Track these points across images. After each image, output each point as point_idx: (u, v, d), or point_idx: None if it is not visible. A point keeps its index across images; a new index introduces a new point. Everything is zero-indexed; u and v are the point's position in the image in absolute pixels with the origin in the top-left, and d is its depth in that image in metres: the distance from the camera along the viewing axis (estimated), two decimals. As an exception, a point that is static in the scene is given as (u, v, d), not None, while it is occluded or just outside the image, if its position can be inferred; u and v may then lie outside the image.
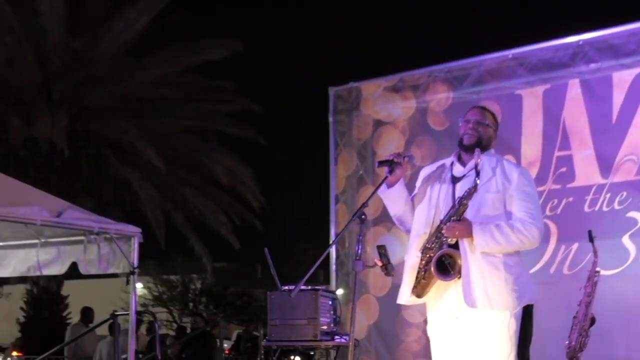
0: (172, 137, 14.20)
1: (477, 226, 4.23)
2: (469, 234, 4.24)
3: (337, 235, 9.01)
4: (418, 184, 4.62)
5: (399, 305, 4.60)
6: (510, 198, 4.36)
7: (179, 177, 14.45)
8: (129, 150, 14.01)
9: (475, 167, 4.29)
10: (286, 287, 5.29)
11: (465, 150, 4.51)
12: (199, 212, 14.76)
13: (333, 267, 9.07)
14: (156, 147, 13.13)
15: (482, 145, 4.47)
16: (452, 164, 4.55)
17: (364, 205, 4.44)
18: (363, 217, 4.41)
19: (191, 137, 14.57)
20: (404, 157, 4.56)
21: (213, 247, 16.17)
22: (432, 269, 4.28)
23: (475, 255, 4.25)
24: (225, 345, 14.36)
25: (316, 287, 5.31)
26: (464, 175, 4.45)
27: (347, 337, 5.25)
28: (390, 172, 4.53)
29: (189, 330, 14.67)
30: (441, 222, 4.33)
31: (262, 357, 9.12)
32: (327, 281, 9.35)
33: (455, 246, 4.28)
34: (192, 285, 28.25)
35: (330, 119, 9.47)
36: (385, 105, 9.11)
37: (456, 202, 4.31)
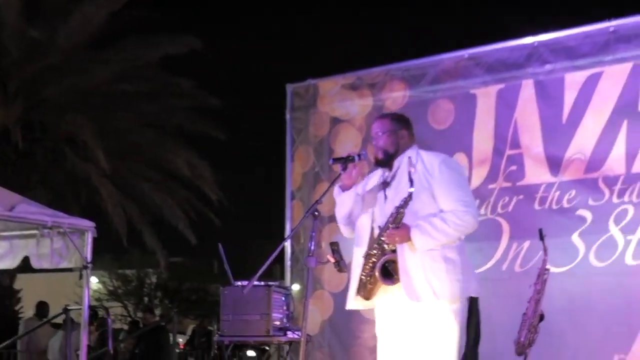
0: (131, 132, 14.12)
1: (415, 229, 4.32)
2: (408, 238, 4.33)
3: (291, 231, 9.06)
4: (360, 190, 4.68)
5: None
6: (437, 191, 4.42)
7: (137, 172, 14.37)
8: (85, 144, 13.90)
9: (409, 174, 4.36)
10: (239, 283, 5.30)
11: (379, 166, 4.64)
12: (157, 207, 14.70)
13: (288, 262, 9.08)
14: (114, 141, 13.05)
15: (389, 155, 4.57)
16: (384, 170, 4.64)
17: (318, 202, 4.52)
18: (316, 213, 4.49)
19: (150, 132, 14.50)
20: (358, 155, 4.62)
21: (170, 242, 16.17)
22: (377, 275, 4.38)
23: (415, 254, 4.34)
24: (180, 340, 14.32)
25: (269, 283, 5.33)
26: (391, 179, 4.56)
27: (299, 333, 5.28)
28: (344, 169, 4.59)
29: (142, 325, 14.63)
30: (380, 229, 4.41)
31: (216, 352, 9.14)
32: (282, 277, 9.37)
33: (395, 250, 4.37)
34: (147, 279, 28.14)
35: (288, 116, 9.49)
36: (342, 103, 9.15)
37: (394, 210, 4.38)
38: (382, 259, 4.40)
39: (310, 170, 9.39)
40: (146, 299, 27.74)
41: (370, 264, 4.44)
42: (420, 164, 4.48)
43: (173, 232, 15.34)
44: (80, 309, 7.60)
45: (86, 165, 13.84)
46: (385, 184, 4.57)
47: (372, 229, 4.56)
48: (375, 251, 4.43)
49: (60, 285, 22.11)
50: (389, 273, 4.40)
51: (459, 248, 4.46)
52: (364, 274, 4.48)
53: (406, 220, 4.35)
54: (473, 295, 4.58)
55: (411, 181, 4.34)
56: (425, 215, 4.37)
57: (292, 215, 9.31)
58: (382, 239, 4.40)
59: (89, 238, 7.30)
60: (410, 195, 4.32)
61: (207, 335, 14.22)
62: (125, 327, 17.21)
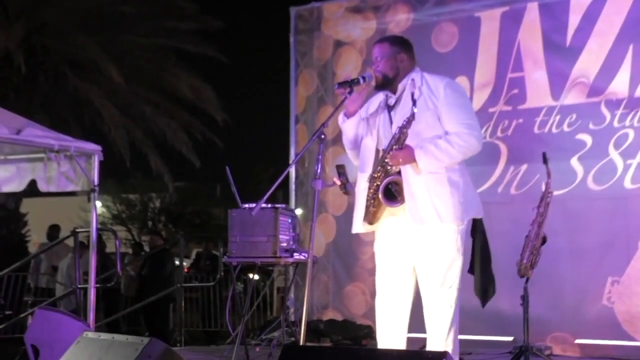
0: (133, 55, 13.98)
1: (419, 150, 4.36)
2: (412, 159, 4.37)
3: (296, 155, 9.13)
4: (363, 114, 4.70)
5: None
6: (441, 112, 4.45)
7: (140, 94, 14.33)
8: (88, 67, 13.82)
9: (412, 95, 4.39)
10: (247, 205, 5.37)
11: (378, 90, 4.64)
12: (160, 130, 14.70)
13: (292, 186, 9.20)
14: (116, 64, 12.97)
15: (388, 79, 4.57)
16: (387, 92, 4.65)
17: (324, 125, 4.54)
18: (323, 137, 4.51)
19: (152, 55, 14.38)
20: (362, 77, 4.64)
21: (173, 166, 16.19)
22: (380, 196, 4.43)
23: (420, 176, 4.38)
24: (185, 263, 14.52)
25: (276, 205, 5.40)
26: (396, 102, 4.57)
27: (306, 254, 5.38)
28: (350, 92, 4.61)
29: (146, 248, 14.80)
30: (384, 151, 4.46)
31: (222, 274, 9.30)
32: (286, 201, 9.47)
33: (400, 172, 4.41)
34: (151, 204, 28.30)
35: (292, 39, 9.48)
36: (345, 25, 9.13)
37: (396, 131, 4.41)
38: (386, 180, 4.44)
39: (314, 93, 9.42)
40: (150, 223, 27.96)
41: (374, 187, 4.48)
42: (425, 87, 4.51)
43: (176, 155, 15.41)
44: (88, 231, 7.70)
45: (89, 87, 13.80)
46: (389, 107, 4.60)
47: (377, 151, 4.60)
48: (379, 174, 4.47)
49: (63, 210, 22.31)
50: (393, 195, 4.45)
51: (461, 171, 4.51)
52: (368, 197, 4.53)
53: (409, 141, 4.40)
54: (476, 216, 4.65)
55: (414, 102, 4.38)
56: (428, 137, 4.42)
57: (297, 139, 9.38)
58: (386, 160, 4.44)
59: (95, 161, 7.32)
60: (412, 116, 4.35)
61: (212, 258, 14.37)
62: (130, 251, 17.38)
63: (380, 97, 4.70)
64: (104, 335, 4.37)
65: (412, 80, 4.50)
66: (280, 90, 10.23)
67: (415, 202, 4.39)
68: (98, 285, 7.52)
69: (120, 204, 27.97)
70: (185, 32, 14.59)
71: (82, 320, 6.66)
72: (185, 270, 15.86)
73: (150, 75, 14.29)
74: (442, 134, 4.43)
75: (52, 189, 7.36)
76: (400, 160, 4.39)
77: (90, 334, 4.50)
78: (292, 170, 9.23)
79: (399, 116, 4.48)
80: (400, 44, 4.69)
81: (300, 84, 9.44)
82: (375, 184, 4.48)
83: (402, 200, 4.42)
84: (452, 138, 4.40)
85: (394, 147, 4.40)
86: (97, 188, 7.24)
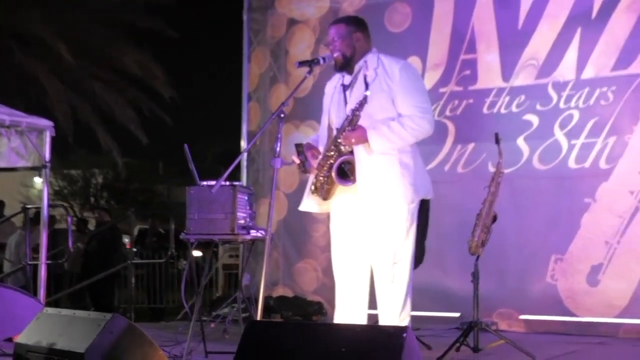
0: (80, 30, 13.81)
1: (372, 131, 4.46)
2: (365, 140, 4.47)
3: (249, 133, 9.19)
4: (324, 97, 4.84)
5: None
6: (396, 95, 4.54)
7: (87, 70, 14.16)
8: (34, 42, 13.61)
9: (365, 78, 4.48)
10: (205, 183, 5.40)
11: (338, 71, 4.72)
12: (107, 107, 14.56)
13: (244, 163, 9.21)
14: (63, 39, 12.79)
15: (347, 58, 4.65)
16: (343, 74, 4.74)
17: (284, 104, 4.61)
18: (282, 115, 4.58)
19: (99, 30, 14.21)
20: (323, 58, 4.72)
21: (118, 142, 16.06)
22: (333, 175, 4.52)
23: (372, 157, 4.49)
24: (127, 240, 14.49)
25: (234, 183, 5.43)
26: (351, 82, 4.67)
27: (262, 231, 5.44)
28: (310, 72, 4.69)
29: (90, 225, 14.68)
30: (337, 131, 4.55)
31: (174, 250, 9.32)
32: (235, 177, 9.50)
33: (353, 152, 4.52)
34: (93, 180, 28.00)
35: (245, 17, 9.45)
36: (299, 4, 9.13)
37: (349, 113, 4.51)
38: (339, 160, 4.54)
39: (267, 71, 9.41)
40: (92, 199, 27.69)
41: (328, 165, 4.58)
42: (381, 68, 4.59)
43: (122, 132, 15.29)
44: (38, 207, 7.64)
45: (34, 63, 13.59)
46: (345, 87, 4.69)
47: (330, 130, 4.70)
48: (332, 152, 4.57)
49: (4, 186, 21.91)
50: (345, 174, 4.55)
51: (413, 153, 4.63)
52: (321, 175, 4.62)
53: (362, 122, 4.49)
54: (426, 197, 4.76)
55: (366, 84, 4.47)
56: (381, 118, 4.52)
57: (249, 117, 9.39)
58: (339, 140, 4.54)
59: (47, 137, 7.27)
60: (365, 98, 4.45)
61: (158, 235, 14.33)
62: (73, 227, 17.18)
63: (337, 77, 4.79)
64: (65, 311, 4.38)
65: (365, 62, 4.59)
66: (232, 67, 10.21)
67: (367, 182, 4.50)
68: (49, 262, 7.46)
69: (61, 179, 27.60)
70: (134, 8, 14.44)
71: (35, 297, 6.65)
72: (128, 246, 15.79)
73: (98, 51, 14.13)
74: (395, 115, 4.54)
75: (2, 164, 7.31)
76: (353, 140, 4.50)
77: (51, 310, 4.51)
78: (244, 147, 9.26)
79: (354, 97, 4.57)
80: (356, 23, 4.77)
81: (253, 61, 9.42)
82: (328, 162, 4.58)
83: (354, 180, 4.53)
84: (405, 121, 4.50)
85: (347, 128, 4.50)
86: (49, 164, 7.19)
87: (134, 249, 11.67)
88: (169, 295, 12.34)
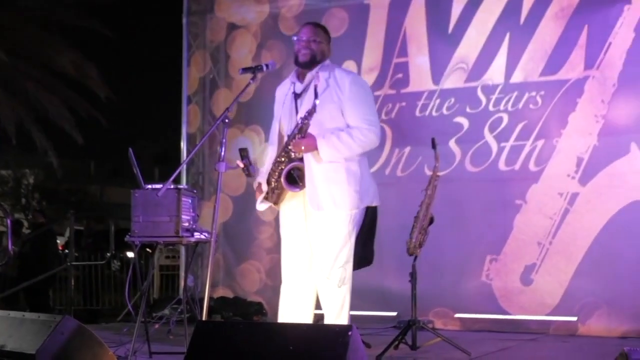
0: (13, 29, 13.61)
1: (321, 140, 4.60)
2: (314, 147, 4.61)
3: (189, 136, 9.24)
4: (275, 103, 4.97)
5: (253, 204, 4.97)
6: (345, 107, 4.70)
7: (20, 70, 13.95)
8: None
9: (315, 88, 4.63)
10: (150, 186, 5.44)
11: (302, 67, 4.84)
12: (42, 106, 14.36)
13: (184, 165, 9.22)
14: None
15: (316, 60, 4.79)
16: (294, 81, 4.87)
17: (228, 109, 4.71)
18: (227, 120, 4.69)
19: (34, 29, 14.00)
20: (266, 65, 4.85)
21: (52, 142, 15.86)
22: (282, 181, 4.66)
23: (320, 165, 4.63)
24: (59, 241, 14.34)
25: (179, 186, 5.49)
26: (303, 91, 4.80)
27: (206, 234, 5.52)
28: (254, 79, 4.81)
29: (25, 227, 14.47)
30: (288, 138, 4.68)
31: (113, 251, 9.30)
32: (163, 178, 9.50)
33: (302, 159, 4.66)
34: (24, 180, 27.53)
35: (184, 20, 9.48)
36: (239, 9, 9.20)
37: (299, 121, 4.64)
38: (289, 166, 4.68)
39: (207, 75, 9.48)
40: (24, 200, 27.22)
41: (278, 171, 4.72)
42: (333, 79, 4.74)
43: (57, 132, 15.11)
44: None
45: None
46: (296, 95, 4.82)
47: (280, 137, 4.84)
48: (283, 159, 4.71)
49: None
50: (294, 180, 4.69)
51: (359, 160, 4.79)
52: (272, 179, 4.76)
53: (312, 130, 4.63)
54: (371, 204, 4.91)
55: (316, 94, 4.62)
56: (330, 127, 4.66)
57: (189, 119, 9.42)
58: (289, 147, 4.68)
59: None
60: (314, 108, 4.59)
61: (94, 236, 14.21)
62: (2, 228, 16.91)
63: (287, 84, 4.91)
64: (14, 313, 4.40)
65: (317, 73, 4.73)
66: (171, 70, 10.23)
67: (315, 188, 4.64)
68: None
69: (-9, 180, 27.09)
70: (69, 6, 14.27)
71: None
72: (60, 248, 15.62)
73: (32, 50, 13.94)
74: (344, 126, 4.69)
75: None
76: (303, 147, 4.63)
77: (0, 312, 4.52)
78: (184, 150, 9.30)
79: (304, 106, 4.70)
80: (329, 35, 4.95)
81: (192, 65, 9.45)
82: (279, 168, 4.72)
83: (303, 186, 4.67)
84: (354, 132, 4.66)
85: (297, 135, 4.63)
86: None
87: (69, 251, 11.58)
88: (105, 297, 12.27)
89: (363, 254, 4.98)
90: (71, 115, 14.72)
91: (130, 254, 8.02)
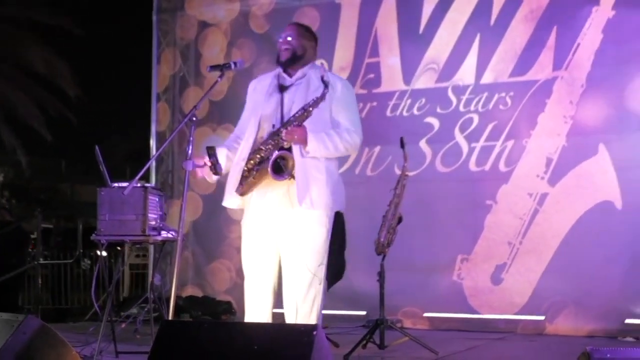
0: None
1: (312, 133, 4.55)
2: (304, 139, 4.55)
3: (158, 134, 9.19)
4: (248, 97, 4.90)
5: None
6: (335, 107, 4.69)
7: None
8: None
9: (322, 78, 4.59)
10: (116, 184, 5.40)
11: (283, 65, 4.78)
12: (11, 104, 14.24)
13: (153, 164, 9.18)
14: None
15: (296, 56, 4.75)
16: (278, 74, 4.83)
17: (195, 107, 4.66)
18: (194, 119, 4.64)
19: (3, 26, 13.90)
20: (234, 63, 4.81)
21: (21, 140, 15.75)
22: (269, 169, 4.57)
23: (303, 160, 4.57)
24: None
25: (145, 185, 5.45)
26: (291, 84, 4.75)
27: (173, 232, 5.49)
28: (221, 77, 4.76)
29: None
30: (282, 125, 4.62)
31: (81, 250, 9.22)
32: (134, 176, 9.44)
33: (289, 149, 4.59)
34: (-7, 178, 27.25)
35: (154, 17, 9.44)
36: (210, 7, 9.19)
37: (302, 108, 4.58)
38: (277, 153, 4.58)
39: (177, 73, 9.44)
40: (-7, 198, 26.94)
41: (257, 158, 4.60)
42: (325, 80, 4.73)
43: (25, 129, 14.99)
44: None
45: None
46: (282, 88, 4.76)
47: (259, 128, 4.73)
48: (269, 146, 4.60)
49: None
50: (280, 168, 4.60)
51: (335, 163, 4.78)
52: (247, 167, 4.65)
53: (306, 123, 4.61)
54: (340, 209, 4.88)
55: (325, 84, 4.56)
56: (320, 125, 4.63)
57: (158, 117, 9.38)
58: (280, 135, 4.56)
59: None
60: (323, 96, 4.54)
61: (63, 235, 14.10)
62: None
63: (267, 78, 4.86)
64: (-25, 313, 4.35)
65: (322, 64, 4.73)
66: (141, 67, 10.16)
67: (301, 183, 4.59)
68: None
69: (-41, 178, 26.77)
70: (40, 4, 14.17)
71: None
72: (31, 247, 15.45)
73: (2, 47, 13.82)
74: (329, 127, 4.67)
75: None
76: (296, 137, 4.54)
77: (-39, 312, 4.46)
78: (153, 148, 9.25)
79: (294, 98, 4.64)
80: (313, 34, 4.94)
81: (162, 62, 9.41)
82: (259, 155, 4.62)
83: (288, 175, 4.58)
84: (342, 132, 4.64)
85: (294, 123, 4.58)
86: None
87: (36, 249, 11.48)
88: (73, 296, 12.17)
89: (338, 265, 4.96)
90: (41, 114, 14.59)
91: (102, 253, 7.94)
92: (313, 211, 4.59)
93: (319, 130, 4.61)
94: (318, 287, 4.62)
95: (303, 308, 4.63)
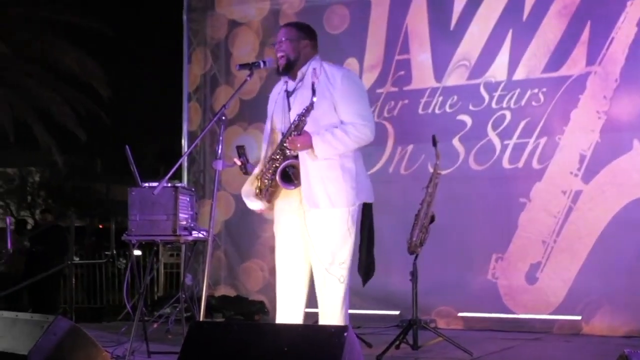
0: (16, 27, 13.62)
1: (317, 137, 4.54)
2: (309, 145, 4.54)
3: (190, 133, 9.20)
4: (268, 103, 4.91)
5: None
6: (338, 102, 4.62)
7: (24, 69, 13.96)
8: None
9: (312, 85, 4.57)
10: (147, 184, 5.41)
11: (281, 74, 4.78)
12: (44, 104, 14.37)
13: (185, 164, 9.21)
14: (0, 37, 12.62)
15: (290, 61, 4.71)
16: (286, 79, 4.80)
17: (224, 107, 4.67)
18: (223, 118, 4.65)
19: (36, 28, 14.03)
20: (263, 62, 4.81)
21: (56, 140, 15.87)
22: (277, 179, 4.60)
23: (315, 162, 4.57)
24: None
25: (176, 184, 5.46)
26: (294, 89, 4.73)
27: (204, 232, 5.48)
28: (251, 75, 4.76)
29: (29, 225, 14.48)
30: (283, 135, 4.63)
31: (114, 250, 9.27)
32: (171, 177, 9.46)
33: (298, 157, 4.59)
34: (30, 178, 27.56)
35: (184, 17, 9.46)
36: (240, 6, 9.18)
37: (296, 118, 4.58)
38: (284, 164, 4.62)
39: (207, 72, 9.44)
40: (29, 198, 27.24)
41: (273, 168, 4.66)
42: (323, 75, 4.66)
43: (59, 129, 15.12)
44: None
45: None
46: (288, 93, 4.76)
47: (275, 135, 4.78)
48: (278, 156, 4.65)
49: None
50: (289, 177, 4.63)
51: (354, 157, 4.72)
52: (266, 177, 4.70)
53: (308, 127, 4.58)
54: (367, 201, 4.85)
55: (314, 91, 4.56)
56: (326, 124, 4.61)
57: (189, 117, 9.40)
58: (285, 144, 4.62)
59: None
60: (312, 105, 4.53)
61: (98, 235, 14.21)
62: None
63: (280, 84, 4.87)
64: (7, 314, 4.37)
65: (314, 69, 4.66)
66: (172, 66, 10.19)
67: (310, 186, 4.58)
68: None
69: (-3, 178, 27.12)
70: (72, 5, 14.29)
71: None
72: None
73: (35, 48, 13.95)
74: (338, 122, 4.63)
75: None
76: (299, 145, 4.57)
77: (-8, 313, 4.49)
78: (185, 147, 9.28)
79: (298, 103, 4.64)
80: (306, 31, 4.83)
81: (193, 62, 9.42)
82: (273, 165, 4.66)
83: (298, 184, 4.61)
84: (348, 128, 4.59)
85: (293, 132, 4.58)
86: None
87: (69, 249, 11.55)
88: (108, 295, 12.25)
89: (368, 262, 4.92)
90: (74, 113, 14.71)
91: (136, 252, 7.98)
92: (334, 210, 4.58)
93: (326, 127, 4.57)
94: (338, 287, 4.59)
95: (324, 307, 4.63)
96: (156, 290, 10.93)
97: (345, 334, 3.48)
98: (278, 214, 4.80)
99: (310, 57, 4.76)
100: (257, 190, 4.74)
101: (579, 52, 7.45)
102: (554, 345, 6.73)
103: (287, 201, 4.71)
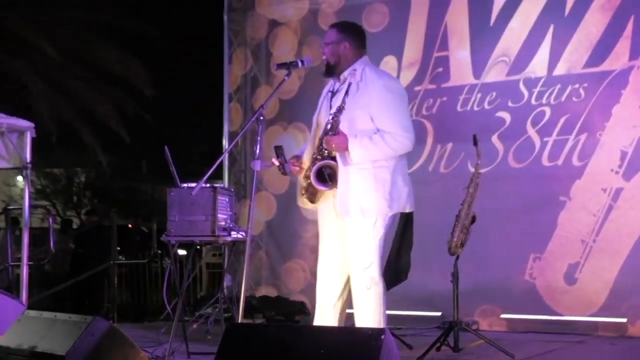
0: (60, 29, 13.79)
1: (353, 140, 4.52)
2: (345, 147, 4.53)
3: (230, 134, 9.22)
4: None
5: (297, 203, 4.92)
6: (376, 110, 4.60)
7: (68, 70, 14.12)
8: (16, 42, 13.56)
9: (348, 86, 4.55)
10: (185, 185, 5.44)
11: (326, 77, 4.84)
12: (88, 105, 14.52)
13: (226, 163, 9.24)
14: (46, 38, 12.77)
15: (330, 66, 4.75)
16: (335, 80, 4.83)
17: (262, 107, 4.70)
18: (261, 118, 4.66)
19: (80, 29, 14.18)
20: (301, 61, 4.81)
21: (101, 141, 16.05)
22: (312, 178, 4.59)
23: (349, 168, 4.56)
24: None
25: (215, 185, 5.48)
26: (337, 90, 4.74)
27: (243, 232, 5.49)
28: (289, 75, 4.77)
29: (74, 225, 14.65)
30: (323, 134, 4.61)
31: (157, 250, 9.33)
32: (212, 177, 9.50)
33: (336, 158, 4.60)
34: (76, 179, 27.93)
35: (225, 17, 9.48)
36: (280, 5, 9.18)
37: (329, 118, 4.60)
38: (320, 163, 4.61)
39: (248, 72, 9.46)
40: (75, 198, 27.61)
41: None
42: (363, 82, 4.66)
43: (104, 130, 15.28)
44: (20, 208, 7.64)
45: (17, 63, 13.54)
46: (332, 94, 4.75)
47: (316, 134, 4.78)
48: (319, 156, 4.65)
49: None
50: (324, 178, 4.62)
51: (392, 167, 4.67)
52: (306, 176, 4.71)
53: (342, 127, 4.56)
54: (403, 211, 4.81)
55: (347, 92, 4.55)
56: (362, 128, 4.59)
57: (230, 117, 9.42)
58: (323, 145, 4.61)
59: (27, 138, 7.26)
60: (343, 105, 4.54)
61: (142, 235, 14.31)
62: (56, 226, 17.16)
63: (329, 83, 4.90)
64: (46, 314, 4.42)
65: (354, 70, 4.64)
66: (213, 67, 10.21)
67: (344, 193, 4.58)
68: (30, 263, 7.45)
69: (44, 178, 27.51)
70: (115, 6, 14.44)
71: (17, 298, 6.67)
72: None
73: (79, 49, 14.10)
74: (374, 128, 4.59)
75: (-17, 165, 7.29)
76: (334, 145, 4.57)
77: (32, 313, 4.55)
78: (225, 147, 9.30)
79: (336, 105, 4.64)
80: (348, 32, 4.83)
81: (234, 62, 9.44)
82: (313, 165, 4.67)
83: (332, 185, 4.59)
84: (387, 137, 4.57)
85: (329, 132, 4.56)
86: (30, 165, 7.19)
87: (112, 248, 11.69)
88: (152, 294, 12.34)
89: (397, 267, 4.90)
90: (118, 114, 14.85)
91: (181, 252, 8.05)
92: (364, 219, 4.58)
93: (363, 132, 4.54)
94: (367, 292, 4.56)
95: (357, 310, 4.65)
96: (199, 290, 10.99)
97: (383, 336, 3.46)
98: (320, 217, 4.84)
99: (353, 59, 4.75)
100: (302, 191, 4.75)
101: (622, 47, 7.30)
102: (598, 349, 6.57)
103: (327, 204, 4.72)
